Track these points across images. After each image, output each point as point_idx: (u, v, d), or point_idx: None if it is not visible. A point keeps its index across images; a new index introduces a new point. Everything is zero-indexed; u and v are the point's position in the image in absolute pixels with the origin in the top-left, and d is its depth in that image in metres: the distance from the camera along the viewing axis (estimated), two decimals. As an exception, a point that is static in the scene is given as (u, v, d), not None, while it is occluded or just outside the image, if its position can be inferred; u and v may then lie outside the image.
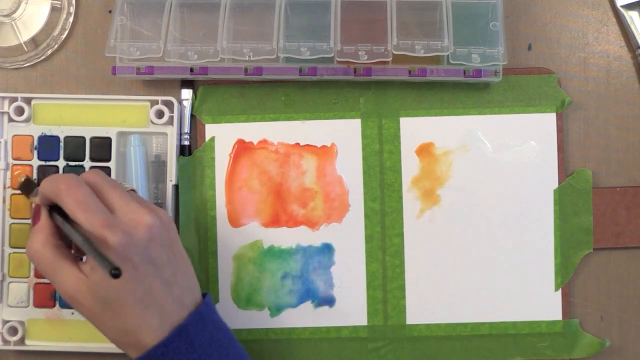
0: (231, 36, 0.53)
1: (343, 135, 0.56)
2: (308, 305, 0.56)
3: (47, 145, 0.55)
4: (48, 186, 0.44)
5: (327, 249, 0.56)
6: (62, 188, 0.43)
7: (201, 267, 0.56)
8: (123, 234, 0.42)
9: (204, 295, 0.47)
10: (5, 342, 0.55)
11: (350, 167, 0.56)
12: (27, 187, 0.51)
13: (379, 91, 0.56)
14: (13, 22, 0.57)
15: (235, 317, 0.56)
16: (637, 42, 0.56)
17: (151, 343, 0.43)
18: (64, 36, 0.57)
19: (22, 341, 0.55)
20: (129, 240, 0.42)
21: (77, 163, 0.55)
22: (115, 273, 0.38)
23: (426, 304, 0.55)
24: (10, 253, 0.56)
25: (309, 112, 0.56)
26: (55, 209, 0.45)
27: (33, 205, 0.49)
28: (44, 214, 0.46)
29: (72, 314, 0.55)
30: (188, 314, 0.45)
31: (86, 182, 0.44)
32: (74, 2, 0.57)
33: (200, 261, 0.56)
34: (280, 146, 0.56)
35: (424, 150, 0.56)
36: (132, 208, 0.44)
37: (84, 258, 0.46)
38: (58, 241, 0.45)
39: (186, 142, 0.56)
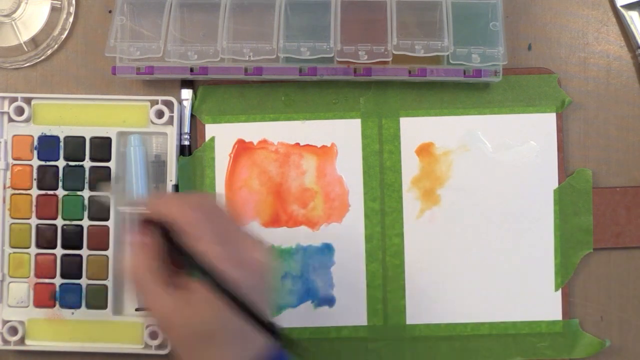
0: (231, 36, 0.53)
1: (343, 135, 0.56)
2: (308, 305, 0.56)
3: (47, 145, 0.55)
4: (165, 207, 0.42)
5: (327, 249, 0.56)
6: (185, 213, 0.41)
7: (201, 267, 0.56)
8: (240, 269, 0.41)
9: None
10: (5, 342, 0.55)
11: (350, 167, 0.56)
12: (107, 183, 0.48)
13: (379, 91, 0.56)
14: (13, 22, 0.57)
15: (235, 317, 0.56)
16: (637, 42, 0.56)
17: None
18: (64, 36, 0.57)
19: (22, 341, 0.55)
20: (244, 277, 0.41)
21: (77, 163, 0.55)
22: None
23: (426, 304, 0.55)
24: (10, 253, 0.56)
25: (309, 112, 0.56)
26: (159, 227, 0.42)
27: (131, 214, 0.45)
28: (149, 232, 0.43)
29: (72, 314, 0.55)
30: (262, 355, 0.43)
31: (202, 208, 0.42)
32: (74, 2, 0.57)
33: (200, 261, 0.56)
34: (280, 146, 0.56)
35: (424, 150, 0.56)
36: (247, 242, 0.42)
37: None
38: (158, 262, 0.43)
39: (186, 142, 0.56)
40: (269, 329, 0.40)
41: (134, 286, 0.43)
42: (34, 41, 0.57)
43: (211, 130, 0.56)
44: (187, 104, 0.56)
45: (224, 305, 0.40)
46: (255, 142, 0.56)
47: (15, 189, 0.56)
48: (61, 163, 0.55)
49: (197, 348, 0.41)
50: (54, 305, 0.55)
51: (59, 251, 0.55)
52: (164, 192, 0.45)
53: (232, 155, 0.56)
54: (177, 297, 0.41)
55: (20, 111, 0.56)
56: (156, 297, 0.42)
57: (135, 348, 0.55)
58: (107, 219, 0.55)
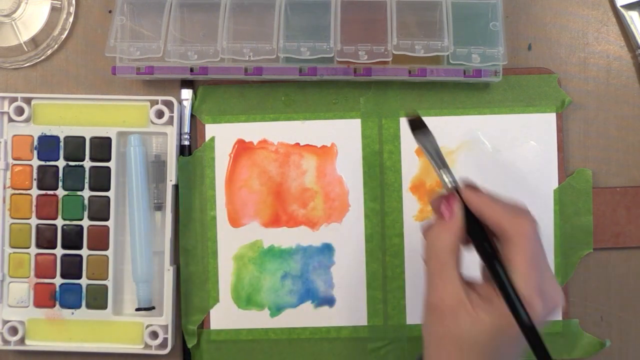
0: (231, 36, 0.53)
1: (343, 135, 0.56)
2: (308, 305, 0.56)
3: (47, 145, 0.55)
4: (500, 211, 0.40)
5: (327, 249, 0.56)
6: (527, 231, 0.39)
7: (201, 267, 0.56)
8: (545, 308, 0.38)
9: None
10: (5, 342, 0.55)
11: (350, 167, 0.56)
12: (416, 126, 0.44)
13: (379, 91, 0.56)
14: (13, 22, 0.57)
15: (235, 317, 0.56)
16: (637, 42, 0.56)
17: None
18: (64, 36, 0.57)
19: (22, 341, 0.55)
20: (545, 315, 0.39)
21: (77, 163, 0.55)
22: None
23: (426, 304, 0.55)
24: (10, 253, 0.56)
25: (309, 112, 0.56)
26: (474, 224, 0.41)
27: (447, 183, 0.42)
28: (460, 216, 0.41)
29: (72, 314, 0.55)
30: None
31: (533, 224, 0.40)
32: (74, 2, 0.57)
33: (200, 261, 0.56)
34: (280, 146, 0.56)
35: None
36: (552, 279, 0.40)
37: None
38: (459, 248, 0.41)
39: (186, 142, 0.56)
40: None
41: (426, 254, 0.41)
42: (34, 41, 0.57)
43: (211, 130, 0.56)
44: (187, 104, 0.56)
45: (517, 332, 0.38)
46: (255, 142, 0.56)
47: (15, 189, 0.56)
48: (61, 163, 0.55)
49: (457, 350, 0.39)
50: (54, 305, 0.55)
51: (59, 251, 0.55)
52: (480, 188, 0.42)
53: (232, 155, 0.56)
54: (463, 290, 0.39)
55: (20, 111, 0.56)
56: (448, 280, 0.40)
57: (135, 348, 0.55)
58: (107, 219, 0.55)
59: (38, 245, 0.55)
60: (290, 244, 0.56)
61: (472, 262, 0.42)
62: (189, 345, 0.55)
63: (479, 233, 0.40)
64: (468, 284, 0.40)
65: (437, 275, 0.40)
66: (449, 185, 0.42)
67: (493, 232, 0.40)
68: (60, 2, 0.57)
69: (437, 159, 0.42)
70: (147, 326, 0.55)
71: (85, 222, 0.55)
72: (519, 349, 0.40)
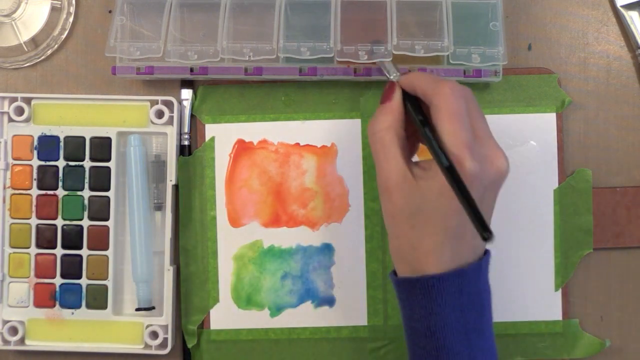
0: (231, 36, 0.53)
1: (343, 135, 0.56)
2: (308, 305, 0.56)
3: (47, 145, 0.55)
4: (425, 80, 0.42)
5: (327, 249, 0.56)
6: (445, 92, 0.41)
7: (201, 267, 0.56)
8: (478, 164, 0.40)
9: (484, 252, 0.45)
10: (5, 342, 0.55)
11: (350, 167, 0.56)
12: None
13: (379, 91, 0.56)
14: (13, 22, 0.57)
15: (235, 317, 0.56)
16: (637, 42, 0.56)
17: (429, 270, 0.41)
18: (64, 36, 0.57)
19: (22, 341, 0.55)
20: (479, 173, 0.40)
21: (77, 163, 0.55)
22: (486, 236, 0.37)
23: (426, 304, 0.55)
24: (10, 253, 0.56)
25: (309, 112, 0.56)
26: (409, 99, 0.43)
27: (387, 83, 0.46)
28: (397, 98, 0.44)
29: (72, 314, 0.55)
30: (470, 262, 0.43)
31: (463, 92, 0.42)
32: (74, 2, 0.57)
33: (200, 261, 0.56)
34: (280, 146, 0.56)
35: (425, 150, 0.55)
36: (492, 144, 0.42)
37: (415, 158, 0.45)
38: (400, 130, 0.43)
39: (186, 142, 0.56)
40: (486, 235, 0.37)
41: (370, 144, 0.43)
42: (34, 41, 0.57)
43: (211, 130, 0.56)
44: (187, 104, 0.56)
45: (454, 196, 0.38)
46: (255, 142, 0.56)
47: (15, 189, 0.56)
48: (61, 163, 0.55)
49: (408, 226, 0.41)
50: (54, 305, 0.55)
51: (59, 251, 0.55)
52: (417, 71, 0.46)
53: (232, 155, 0.56)
54: (407, 167, 0.41)
55: (20, 111, 0.56)
56: (387, 159, 0.41)
57: (135, 348, 0.55)
58: (107, 218, 0.55)
59: (38, 245, 0.55)
60: (290, 244, 0.56)
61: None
62: (189, 345, 0.55)
63: (413, 106, 0.43)
64: (413, 163, 0.42)
65: (382, 157, 0.42)
66: (390, 77, 0.46)
67: (425, 104, 0.43)
68: (60, 2, 0.57)
69: (390, 70, 0.47)
70: (147, 326, 0.55)
71: (85, 222, 0.55)
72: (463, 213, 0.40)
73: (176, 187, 0.56)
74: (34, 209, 0.55)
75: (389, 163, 0.42)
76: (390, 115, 0.43)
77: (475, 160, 0.40)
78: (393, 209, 0.42)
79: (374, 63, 0.48)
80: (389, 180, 0.42)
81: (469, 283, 0.42)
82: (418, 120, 0.42)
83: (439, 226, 0.41)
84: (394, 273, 0.45)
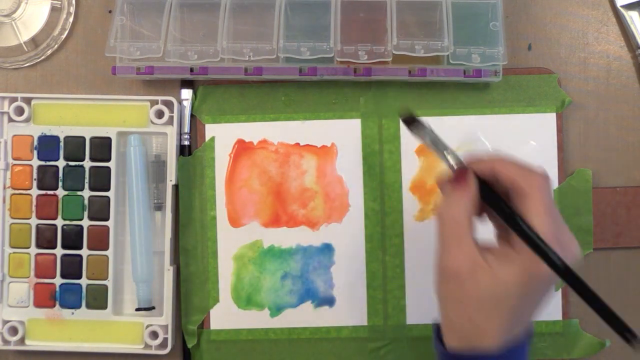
0: (231, 36, 0.53)
1: (343, 135, 0.56)
2: (308, 305, 0.56)
3: (47, 145, 0.55)
4: (513, 168, 0.41)
5: (327, 249, 0.56)
6: (539, 183, 0.40)
7: (201, 267, 0.56)
8: (564, 257, 0.40)
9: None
10: (5, 342, 0.55)
11: (350, 167, 0.56)
12: (410, 122, 0.45)
13: (379, 91, 0.56)
14: (13, 22, 0.57)
15: (235, 317, 0.56)
16: (637, 42, 0.56)
17: (486, 346, 0.41)
18: (64, 36, 0.57)
19: (22, 341, 0.55)
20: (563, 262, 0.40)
21: (77, 163, 0.55)
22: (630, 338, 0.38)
23: (426, 304, 0.55)
24: (10, 253, 0.56)
25: (309, 112, 0.56)
26: (482, 184, 0.42)
27: (453, 164, 0.43)
28: (473, 184, 0.42)
29: (72, 314, 0.55)
30: (519, 344, 0.43)
31: (543, 175, 0.41)
32: (74, 2, 0.57)
33: (200, 261, 0.56)
34: (280, 146, 0.56)
35: (424, 150, 0.56)
36: (566, 230, 0.41)
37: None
38: (474, 215, 0.42)
39: (186, 142, 0.56)
40: (630, 337, 0.40)
41: (439, 224, 0.42)
42: (34, 41, 0.57)
43: (211, 130, 0.56)
44: (187, 104, 0.56)
45: (536, 286, 0.39)
46: (255, 142, 0.56)
47: (15, 189, 0.56)
48: (61, 163, 0.55)
49: (474, 308, 0.41)
50: (54, 305, 0.55)
51: (59, 251, 0.55)
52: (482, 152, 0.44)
53: (232, 155, 0.56)
54: (478, 253, 0.40)
55: (20, 111, 0.56)
56: (459, 243, 0.41)
57: (135, 348, 0.55)
58: (107, 218, 0.55)
59: (38, 245, 0.55)
60: (290, 244, 0.56)
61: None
62: (189, 345, 0.55)
63: (493, 195, 0.42)
64: (483, 248, 0.41)
65: (454, 241, 0.41)
66: (454, 164, 0.43)
67: (505, 191, 0.42)
68: (60, 2, 0.57)
69: (438, 144, 0.44)
70: (147, 326, 0.55)
71: (85, 222, 0.55)
72: (537, 305, 0.41)
73: (176, 187, 0.56)
74: (34, 209, 0.55)
75: (462, 250, 0.41)
76: (467, 201, 0.42)
77: (557, 247, 0.40)
78: (461, 294, 0.41)
79: (444, 156, 0.44)
80: (461, 267, 0.41)
81: (522, 358, 0.43)
82: (511, 214, 0.41)
83: (509, 309, 0.41)
84: (440, 342, 0.44)
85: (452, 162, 0.43)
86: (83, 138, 0.55)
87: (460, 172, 0.43)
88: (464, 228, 0.41)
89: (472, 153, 0.44)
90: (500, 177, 0.42)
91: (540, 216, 0.40)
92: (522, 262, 0.40)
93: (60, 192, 0.55)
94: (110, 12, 0.57)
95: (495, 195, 0.42)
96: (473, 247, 0.41)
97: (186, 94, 0.56)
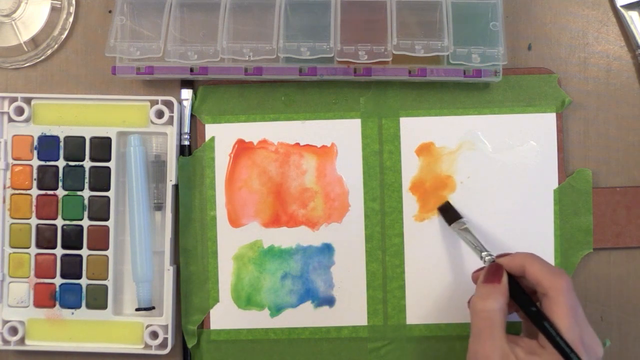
0: (231, 36, 0.53)
1: (343, 135, 0.56)
2: (308, 305, 0.56)
3: (47, 145, 0.55)
4: (541, 269, 0.45)
5: (327, 249, 0.56)
6: (564, 286, 0.43)
7: (201, 267, 0.56)
8: (584, 356, 0.42)
9: None
10: (5, 342, 0.55)
11: (350, 167, 0.56)
12: (447, 212, 0.54)
13: (379, 91, 0.56)
14: (13, 22, 0.57)
15: (235, 317, 0.56)
16: (637, 42, 0.56)
17: None
18: (64, 36, 0.57)
19: (22, 341, 0.55)
20: None
21: (77, 163, 0.55)
22: None
23: (426, 304, 0.55)
24: (10, 253, 0.56)
25: (309, 112, 0.56)
26: (511, 282, 0.46)
27: (487, 259, 0.49)
28: (505, 280, 0.46)
29: (72, 314, 0.55)
30: None
31: (569, 280, 0.45)
32: (74, 2, 0.57)
33: (200, 261, 0.56)
34: (280, 146, 0.56)
35: (424, 150, 0.56)
36: (591, 332, 0.44)
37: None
38: (505, 309, 0.45)
39: (186, 142, 0.56)
40: None
41: (474, 318, 0.45)
42: (34, 41, 0.57)
43: (211, 130, 0.56)
44: (187, 104, 0.56)
45: None
46: (255, 142, 0.56)
47: (15, 189, 0.56)
48: (61, 163, 0.55)
49: None
50: (54, 305, 0.55)
51: (59, 251, 0.55)
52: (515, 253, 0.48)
53: (232, 155, 0.56)
54: (515, 350, 0.43)
55: (20, 111, 0.56)
56: (491, 338, 0.44)
57: (135, 348, 0.55)
58: (107, 218, 0.55)
59: (38, 245, 0.55)
60: (290, 244, 0.56)
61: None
62: (189, 345, 0.55)
63: (522, 295, 0.46)
64: (511, 340, 0.44)
65: (487, 333, 0.44)
66: (488, 260, 0.49)
67: (532, 288, 0.46)
68: (60, 2, 0.57)
69: (477, 245, 0.51)
70: (147, 326, 0.55)
71: (85, 222, 0.55)
72: None
73: (176, 187, 0.56)
74: (34, 209, 0.55)
75: (494, 344, 0.44)
76: (500, 297, 0.45)
77: (581, 351, 0.42)
78: None
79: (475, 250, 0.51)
80: (491, 357, 0.44)
81: None
82: (538, 315, 0.44)
83: None
84: None
85: (486, 258, 0.49)
86: (83, 138, 0.55)
87: (493, 268, 0.47)
88: (496, 321, 0.44)
89: (505, 253, 0.48)
90: (527, 276, 0.45)
91: (565, 319, 0.43)
92: (547, 358, 0.43)
93: (60, 192, 0.55)
94: (110, 12, 0.57)
95: (524, 295, 0.46)
96: (503, 340, 0.44)
97: (186, 94, 0.56)
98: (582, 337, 0.43)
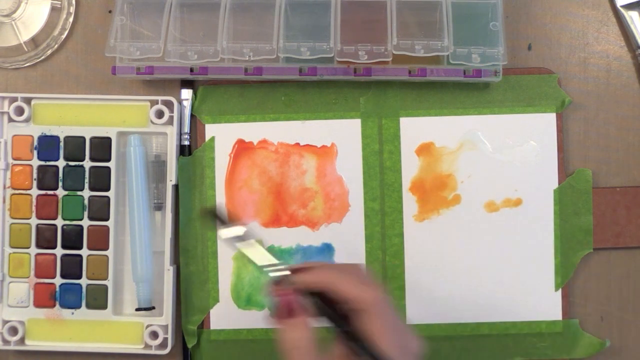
0: (231, 36, 0.53)
1: (343, 135, 0.56)
2: (308, 305, 0.56)
3: (47, 145, 0.55)
4: (343, 283, 0.41)
5: (327, 249, 0.56)
6: (375, 298, 0.41)
7: (201, 267, 0.56)
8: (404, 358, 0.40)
9: None
10: (5, 342, 0.55)
11: (350, 167, 0.56)
12: (213, 217, 0.44)
13: (379, 91, 0.56)
14: (13, 22, 0.57)
15: (235, 317, 0.56)
16: (637, 42, 0.56)
17: None
18: (64, 36, 0.57)
19: (22, 341, 0.55)
20: None
21: (77, 163, 0.55)
22: None
23: (426, 304, 0.55)
24: (10, 253, 0.56)
25: (309, 112, 0.56)
26: (316, 297, 0.41)
27: (274, 283, 0.42)
28: (301, 309, 0.42)
29: (72, 314, 0.55)
30: None
31: (378, 288, 0.42)
32: (74, 2, 0.57)
33: (200, 261, 0.56)
34: (280, 146, 0.56)
35: (424, 150, 0.56)
36: (408, 333, 0.42)
37: None
38: (314, 337, 0.41)
39: (186, 142, 0.56)
40: None
41: (288, 355, 0.41)
42: (34, 41, 0.57)
43: (211, 130, 0.56)
44: (187, 104, 0.56)
45: None
46: (255, 142, 0.56)
47: (15, 189, 0.56)
48: (61, 163, 0.55)
49: None
50: (54, 305, 0.55)
51: (59, 251, 0.55)
52: (315, 262, 0.44)
53: (232, 155, 0.56)
54: None
55: (20, 111, 0.56)
56: None
57: (135, 348, 0.55)
58: (107, 218, 0.55)
59: (38, 245, 0.55)
60: (290, 244, 0.56)
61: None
62: (189, 345, 0.55)
63: (331, 314, 0.41)
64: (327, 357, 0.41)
65: None
66: (275, 283, 0.42)
67: (342, 301, 0.41)
68: (60, 2, 0.57)
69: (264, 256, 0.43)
70: (147, 326, 0.55)
71: (85, 222, 0.55)
72: None
73: (176, 187, 0.56)
74: (34, 209, 0.55)
75: None
76: (302, 326, 0.41)
77: (400, 355, 0.40)
78: None
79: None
80: None
81: None
82: (347, 334, 0.41)
83: None
84: None
85: (272, 280, 0.42)
86: (83, 138, 0.55)
87: (285, 303, 0.41)
88: (302, 348, 0.41)
89: (301, 266, 0.42)
90: (335, 295, 0.41)
91: (382, 332, 0.40)
92: None
93: (60, 192, 0.55)
94: (110, 12, 0.57)
95: (331, 314, 0.41)
96: None
97: (186, 94, 0.56)
98: (401, 345, 0.40)
